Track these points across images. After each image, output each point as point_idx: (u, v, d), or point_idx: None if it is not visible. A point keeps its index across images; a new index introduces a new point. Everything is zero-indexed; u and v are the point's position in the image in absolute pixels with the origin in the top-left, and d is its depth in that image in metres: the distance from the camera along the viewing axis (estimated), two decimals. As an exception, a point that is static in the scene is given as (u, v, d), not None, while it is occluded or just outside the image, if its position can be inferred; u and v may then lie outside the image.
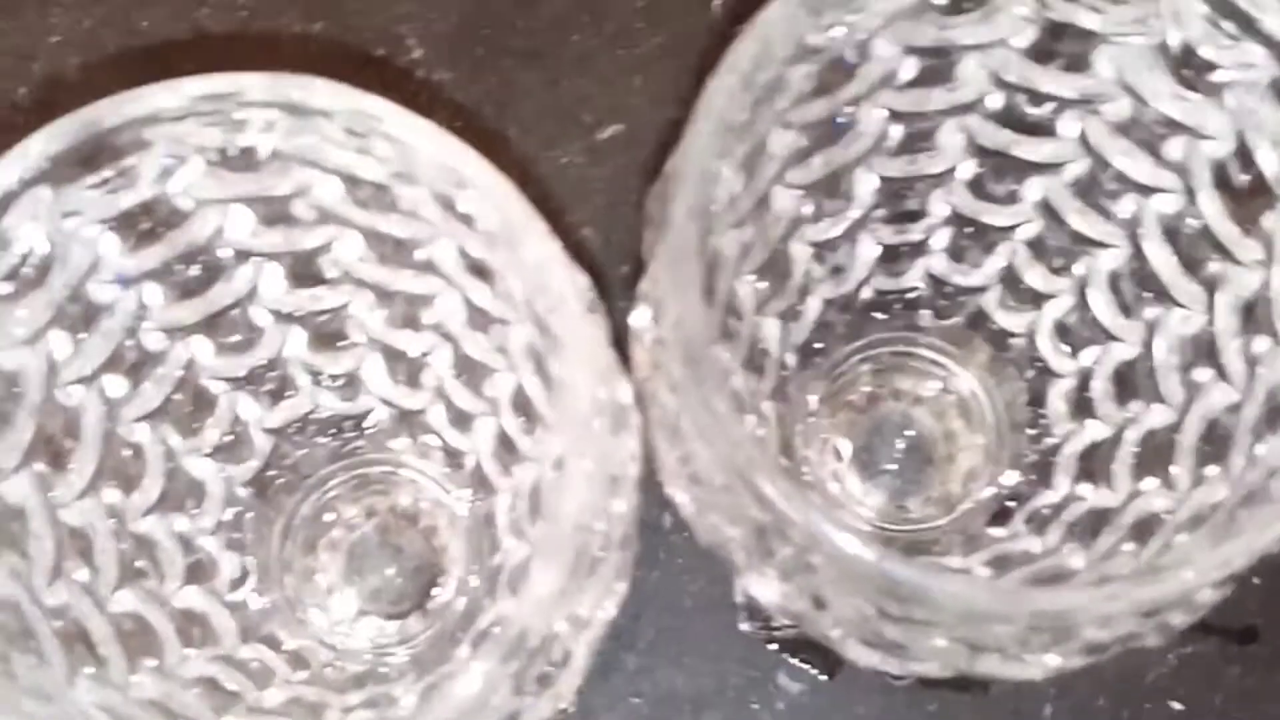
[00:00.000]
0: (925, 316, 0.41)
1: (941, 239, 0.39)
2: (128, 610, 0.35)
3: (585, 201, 0.50)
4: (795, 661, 0.47)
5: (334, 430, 0.42)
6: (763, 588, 0.30)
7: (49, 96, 0.52)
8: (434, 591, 0.44)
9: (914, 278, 0.40)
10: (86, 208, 0.30)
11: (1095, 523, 0.36)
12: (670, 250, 0.28)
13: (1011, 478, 0.41)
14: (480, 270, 0.33)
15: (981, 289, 0.40)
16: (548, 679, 0.28)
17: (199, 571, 0.39)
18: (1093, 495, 0.37)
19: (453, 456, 0.41)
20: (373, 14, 0.52)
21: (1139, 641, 0.29)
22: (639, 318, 0.29)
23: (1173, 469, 0.34)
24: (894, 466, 0.43)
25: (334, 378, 0.40)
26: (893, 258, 0.40)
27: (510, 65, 0.52)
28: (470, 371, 0.38)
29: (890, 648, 0.29)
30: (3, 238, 0.29)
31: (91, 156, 0.29)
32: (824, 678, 0.47)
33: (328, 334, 0.38)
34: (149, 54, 0.53)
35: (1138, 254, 0.36)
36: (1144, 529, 0.34)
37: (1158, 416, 0.36)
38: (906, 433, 0.43)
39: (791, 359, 0.40)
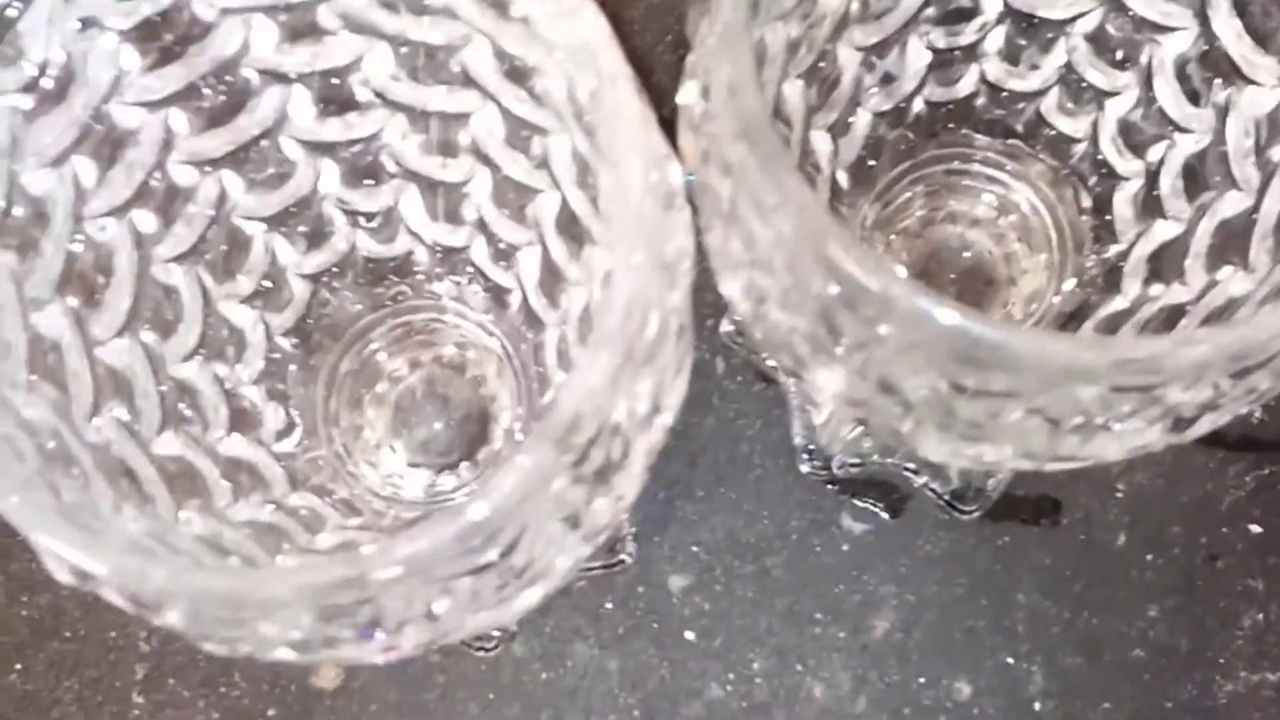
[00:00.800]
0: (980, 131, 0.40)
1: (996, 40, 0.37)
2: (172, 454, 0.35)
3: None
4: (858, 502, 0.46)
5: (373, 276, 0.40)
6: (828, 377, 0.28)
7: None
8: (483, 441, 0.42)
9: (968, 85, 0.38)
10: (103, 14, 0.29)
11: (1171, 318, 0.34)
12: (723, 22, 0.26)
13: (1077, 294, 0.39)
14: (518, 73, 0.31)
15: (1040, 93, 0.38)
16: (606, 474, 0.27)
17: (243, 420, 0.38)
18: (1165, 294, 0.35)
19: (497, 295, 0.40)
20: None
21: (1228, 411, 0.27)
22: (687, 94, 0.28)
23: (1251, 253, 0.33)
24: (952, 291, 0.42)
25: (369, 216, 0.39)
26: (945, 64, 0.38)
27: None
28: (511, 196, 0.36)
29: (965, 431, 0.28)
30: (16, 45, 0.28)
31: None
32: (888, 516, 0.46)
33: (361, 167, 0.37)
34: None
35: (1206, 34, 0.34)
36: (1223, 314, 0.32)
37: (1231, 204, 0.34)
38: (965, 255, 0.42)
39: (843, 177, 0.38)
